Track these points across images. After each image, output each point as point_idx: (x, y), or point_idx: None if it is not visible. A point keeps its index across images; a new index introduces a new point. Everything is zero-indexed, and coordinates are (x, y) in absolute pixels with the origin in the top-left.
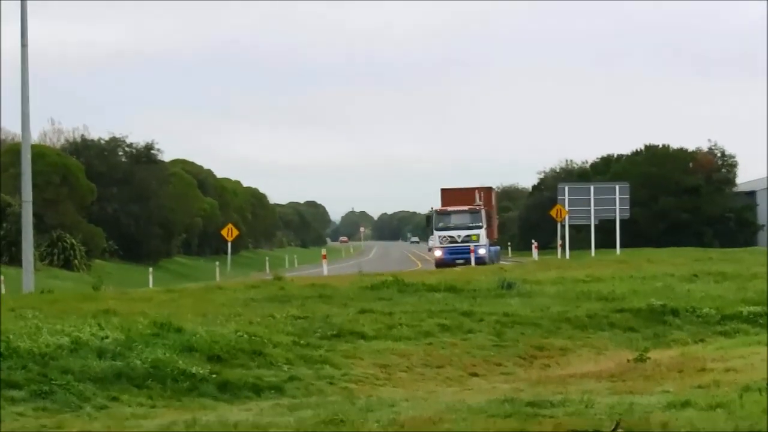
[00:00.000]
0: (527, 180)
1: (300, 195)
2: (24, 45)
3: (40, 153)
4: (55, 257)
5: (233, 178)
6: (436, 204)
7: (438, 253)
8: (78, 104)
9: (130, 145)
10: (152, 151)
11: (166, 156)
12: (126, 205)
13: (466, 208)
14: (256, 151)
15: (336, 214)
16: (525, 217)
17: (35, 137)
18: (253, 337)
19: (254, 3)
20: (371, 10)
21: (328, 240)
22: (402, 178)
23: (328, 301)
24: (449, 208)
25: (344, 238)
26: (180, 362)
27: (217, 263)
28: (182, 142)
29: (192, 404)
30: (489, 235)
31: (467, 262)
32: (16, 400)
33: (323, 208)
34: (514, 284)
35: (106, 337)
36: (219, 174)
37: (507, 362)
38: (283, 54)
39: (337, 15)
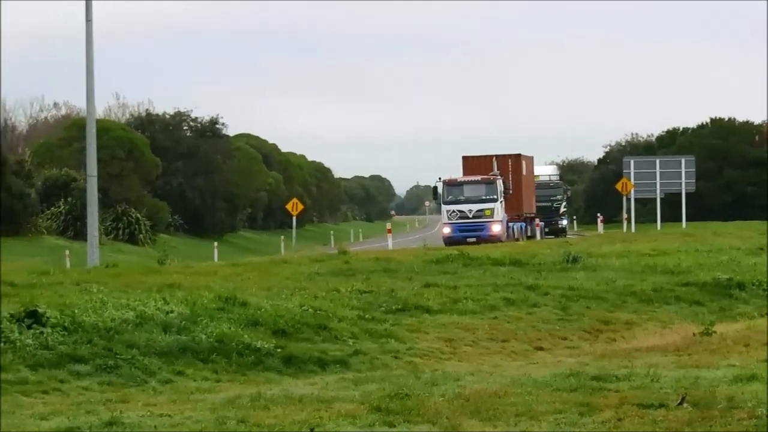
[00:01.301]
0: (593, 154)
1: (365, 169)
2: (89, 20)
3: (105, 127)
4: (120, 231)
5: (298, 152)
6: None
7: (446, 230)
8: (143, 79)
9: (194, 120)
10: (217, 126)
11: (231, 130)
12: (191, 179)
13: (478, 178)
14: (321, 125)
15: (401, 188)
16: (590, 190)
17: (100, 112)
18: (318, 311)
19: None
20: None
21: (393, 214)
22: (466, 151)
23: (392, 275)
24: (459, 178)
25: (392, 212)
26: (245, 336)
27: (282, 237)
28: (247, 117)
29: (257, 378)
30: (517, 208)
31: (480, 240)
32: (82, 375)
33: (388, 182)
34: (579, 258)
35: (171, 312)
36: (283, 148)
37: (572, 336)
38: (347, 28)
39: None
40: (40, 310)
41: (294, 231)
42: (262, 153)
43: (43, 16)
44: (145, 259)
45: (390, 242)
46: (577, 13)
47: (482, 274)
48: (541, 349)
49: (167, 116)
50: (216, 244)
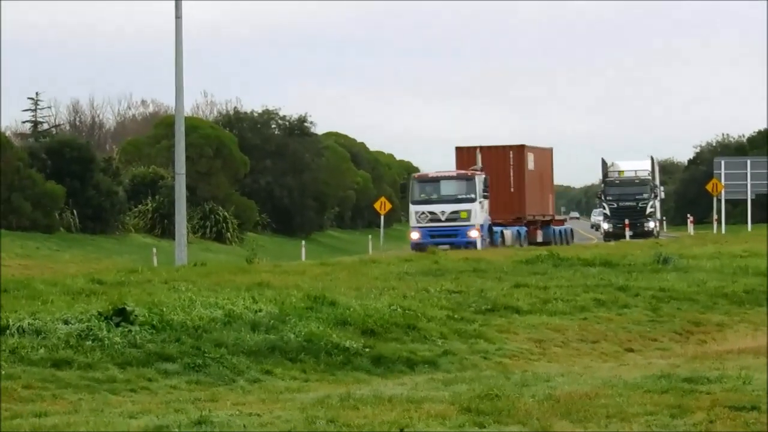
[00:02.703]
0: (683, 154)
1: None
2: (178, 17)
3: (193, 125)
4: (208, 230)
5: (386, 151)
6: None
7: (414, 235)
8: (231, 77)
9: (283, 118)
10: (305, 124)
11: (319, 129)
12: (279, 177)
13: (454, 173)
14: (409, 124)
15: None
16: (681, 191)
17: (188, 109)
18: (407, 311)
19: None
20: None
21: None
22: (555, 152)
23: (482, 275)
24: (431, 174)
25: None
26: (334, 336)
27: (370, 236)
28: (335, 115)
29: (345, 378)
30: (518, 209)
31: (454, 247)
32: (170, 373)
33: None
34: (670, 259)
35: (260, 311)
36: (372, 147)
37: (663, 338)
38: (434, 26)
39: None
40: (129, 309)
41: (382, 230)
42: (350, 152)
43: (132, 12)
44: (233, 258)
45: (479, 242)
46: (673, 16)
47: (572, 274)
48: (631, 350)
49: (255, 114)
50: (304, 243)
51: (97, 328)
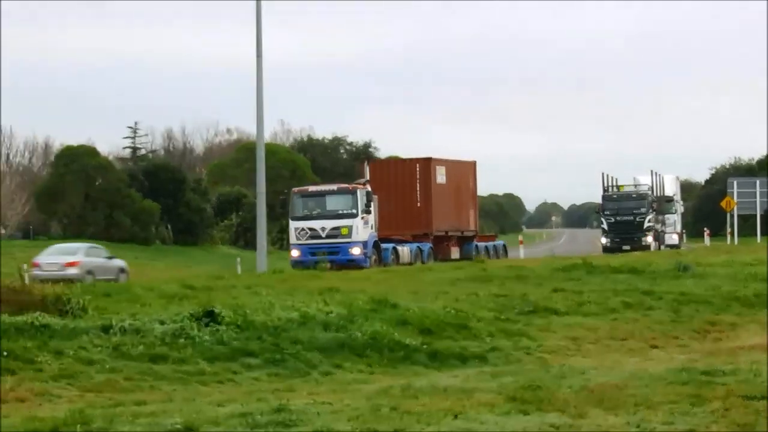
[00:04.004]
0: (699, 174)
1: (499, 187)
2: (258, 56)
3: (271, 150)
4: (285, 241)
5: None
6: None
7: (294, 253)
8: (305, 106)
9: (350, 144)
10: (370, 149)
11: (382, 152)
12: None
13: (334, 187)
14: (459, 147)
15: (531, 204)
16: (698, 207)
17: (267, 136)
18: (459, 313)
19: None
20: (548, 12)
21: (524, 227)
22: (588, 170)
23: (524, 281)
24: (311, 188)
25: (523, 226)
26: (395, 334)
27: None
28: (397, 140)
29: (406, 371)
30: (425, 225)
31: (335, 265)
32: (253, 367)
33: (519, 199)
34: (689, 267)
35: (331, 312)
36: None
37: (683, 336)
38: (476, 56)
39: (522, 18)
40: (216, 311)
41: None
42: None
43: (218, 45)
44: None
45: (521, 252)
46: (690, 38)
47: (603, 280)
48: (655, 347)
49: (326, 140)
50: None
51: (189, 327)
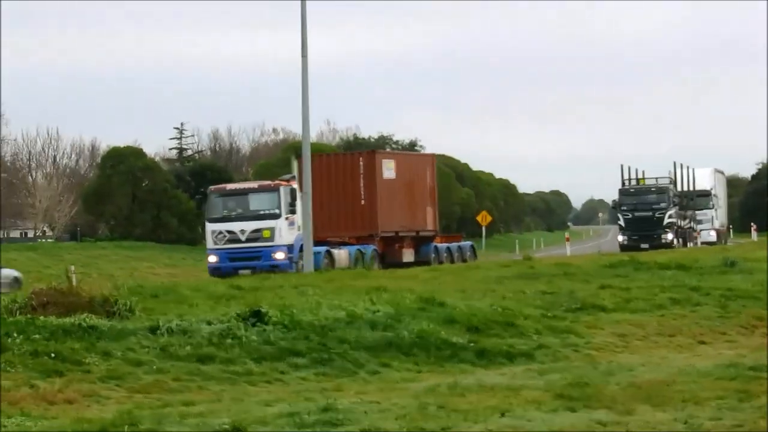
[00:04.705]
0: (747, 170)
1: (546, 185)
2: (304, 56)
3: (318, 150)
4: None
5: (487, 170)
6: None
7: (212, 259)
8: (351, 106)
9: (396, 142)
10: (416, 147)
11: (428, 151)
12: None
13: (255, 185)
14: (508, 146)
15: (577, 201)
16: (745, 202)
17: (314, 136)
18: (506, 310)
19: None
20: (597, 11)
21: (570, 224)
22: (631, 167)
23: (571, 278)
24: (230, 186)
25: (569, 223)
26: (442, 332)
27: (473, 245)
28: (443, 139)
29: (453, 369)
30: (369, 226)
31: (257, 270)
32: (300, 367)
33: (566, 196)
34: (736, 262)
35: (378, 311)
36: (474, 167)
37: (731, 331)
38: (526, 57)
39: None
40: (263, 311)
41: (483, 239)
42: (455, 171)
43: (266, 47)
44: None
45: (568, 249)
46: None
47: (650, 276)
48: (703, 343)
49: (372, 140)
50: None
51: (236, 327)
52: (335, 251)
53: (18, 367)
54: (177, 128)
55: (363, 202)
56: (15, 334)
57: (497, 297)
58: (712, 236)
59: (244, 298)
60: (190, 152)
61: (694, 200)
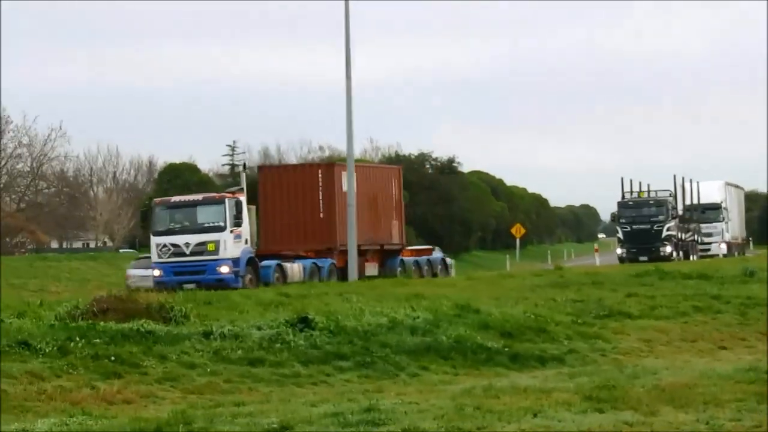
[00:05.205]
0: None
1: (575, 198)
2: (348, 77)
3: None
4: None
5: (520, 185)
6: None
7: (156, 273)
8: (392, 123)
9: (435, 159)
10: (453, 164)
11: (465, 167)
12: (432, 208)
13: (199, 197)
14: (539, 161)
15: (605, 213)
16: (763, 216)
17: (357, 153)
18: (538, 317)
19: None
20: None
21: (603, 235)
22: (658, 181)
23: (600, 287)
24: (174, 199)
25: (599, 235)
26: (478, 337)
27: (507, 255)
28: (478, 155)
29: (488, 372)
30: (328, 239)
31: (202, 286)
32: (344, 369)
33: (594, 209)
34: (755, 272)
35: (417, 317)
36: (508, 182)
37: (750, 337)
38: (558, 72)
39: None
40: (310, 317)
41: (517, 250)
42: (490, 186)
43: (312, 67)
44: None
45: (597, 259)
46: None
47: (674, 285)
48: (724, 348)
49: (412, 156)
50: (453, 261)
51: (285, 332)
52: (287, 265)
53: (80, 370)
54: (229, 145)
55: (322, 215)
56: (77, 338)
57: (530, 304)
58: (723, 249)
59: (292, 304)
60: (241, 168)
61: (705, 213)
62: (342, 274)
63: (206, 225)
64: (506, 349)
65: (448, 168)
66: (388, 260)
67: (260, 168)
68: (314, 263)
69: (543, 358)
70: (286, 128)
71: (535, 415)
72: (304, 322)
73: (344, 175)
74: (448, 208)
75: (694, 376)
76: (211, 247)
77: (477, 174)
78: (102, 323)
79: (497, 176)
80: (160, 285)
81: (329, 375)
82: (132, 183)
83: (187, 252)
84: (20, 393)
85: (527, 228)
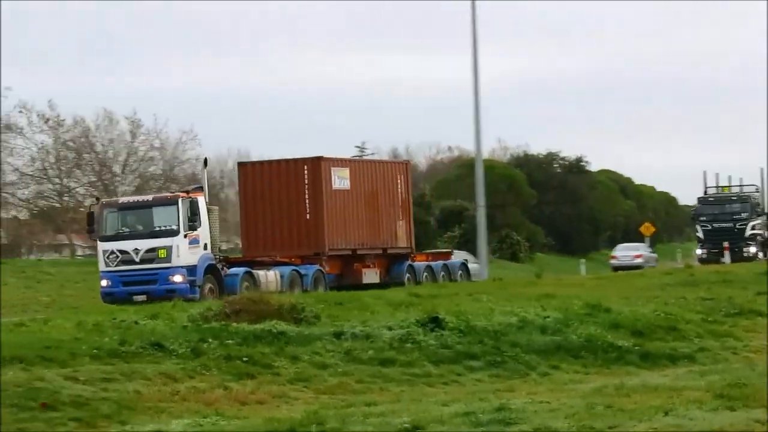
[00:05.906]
0: None
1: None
2: (476, 80)
3: (490, 166)
4: (504, 251)
5: (649, 184)
6: None
7: (103, 282)
8: (522, 124)
9: (563, 159)
10: (581, 163)
11: (594, 167)
12: (560, 207)
13: (149, 198)
14: (668, 161)
15: None
16: None
17: (486, 154)
18: (668, 315)
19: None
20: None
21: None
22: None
23: (730, 285)
24: (122, 200)
25: None
26: (608, 336)
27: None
28: (607, 155)
29: (618, 371)
30: (315, 243)
31: (152, 296)
32: (475, 369)
33: None
34: None
35: (548, 317)
36: (637, 181)
37: None
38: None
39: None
40: (441, 317)
41: (647, 249)
42: (619, 185)
43: (441, 71)
44: (525, 274)
45: (728, 258)
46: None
47: None
48: None
49: (540, 156)
50: (582, 260)
51: (415, 332)
52: (260, 273)
53: (213, 370)
54: (358, 147)
55: (308, 216)
56: (210, 340)
57: (660, 303)
58: (755, 249)
59: (422, 305)
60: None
61: None
62: (337, 281)
63: (157, 229)
64: (637, 348)
65: (576, 167)
66: (394, 265)
67: (240, 164)
68: (295, 270)
69: (674, 357)
70: (416, 130)
71: (666, 414)
72: (435, 322)
73: (334, 171)
74: (577, 208)
75: None
76: (162, 253)
77: (605, 173)
78: (234, 324)
79: (626, 175)
80: (107, 297)
81: (460, 375)
82: None
83: (137, 259)
84: (154, 394)
85: (657, 226)
